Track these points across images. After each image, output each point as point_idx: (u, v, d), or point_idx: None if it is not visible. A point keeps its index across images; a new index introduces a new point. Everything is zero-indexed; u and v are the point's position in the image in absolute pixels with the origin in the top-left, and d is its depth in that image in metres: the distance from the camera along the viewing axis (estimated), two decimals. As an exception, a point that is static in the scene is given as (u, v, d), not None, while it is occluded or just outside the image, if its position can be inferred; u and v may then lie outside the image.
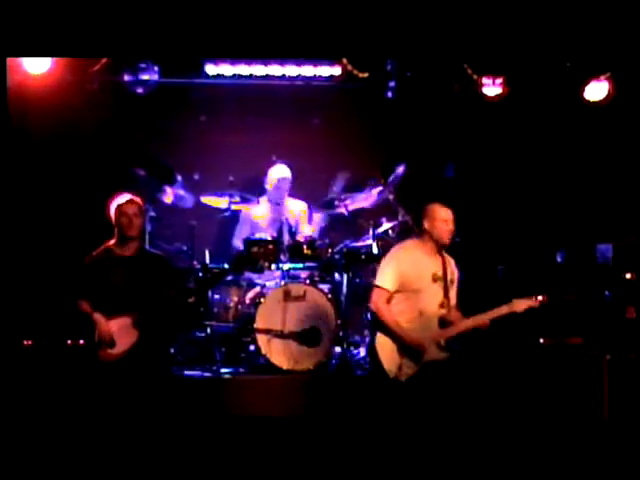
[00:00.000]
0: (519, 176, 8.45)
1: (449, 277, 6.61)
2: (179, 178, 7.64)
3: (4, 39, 6.15)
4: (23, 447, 5.91)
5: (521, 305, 6.49)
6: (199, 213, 7.65)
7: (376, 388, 6.44)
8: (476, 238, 8.26)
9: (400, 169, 7.67)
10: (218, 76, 8.21)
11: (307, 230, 7.90)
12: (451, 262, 6.72)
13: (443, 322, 6.46)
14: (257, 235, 7.51)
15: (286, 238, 7.53)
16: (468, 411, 6.26)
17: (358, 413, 6.34)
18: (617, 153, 8.19)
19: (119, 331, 6.38)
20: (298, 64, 8.21)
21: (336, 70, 8.04)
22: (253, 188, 8.01)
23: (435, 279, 6.53)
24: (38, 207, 7.77)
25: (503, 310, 6.49)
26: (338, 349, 7.27)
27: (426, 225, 6.55)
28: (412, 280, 6.45)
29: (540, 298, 6.60)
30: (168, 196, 7.50)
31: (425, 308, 6.47)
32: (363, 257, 7.56)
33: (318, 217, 8.00)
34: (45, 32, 6.34)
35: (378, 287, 6.44)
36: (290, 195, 8.09)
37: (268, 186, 7.96)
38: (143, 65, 7.77)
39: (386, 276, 6.45)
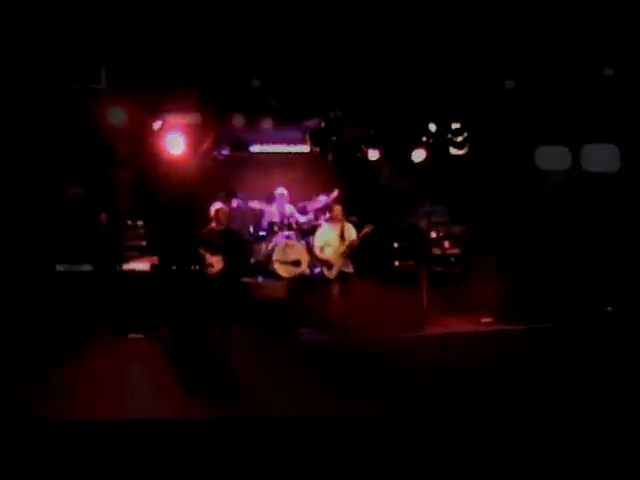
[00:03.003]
0: (384, 198, 12.39)
1: (346, 234, 11.27)
2: (238, 195, 11.56)
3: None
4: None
5: (364, 230, 11.20)
6: (246, 212, 11.94)
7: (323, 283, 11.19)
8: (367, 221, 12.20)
9: (335, 193, 11.90)
10: (259, 152, 12.37)
11: (303, 219, 11.83)
12: (349, 226, 11.27)
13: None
14: (272, 220, 11.75)
15: (285, 221, 11.87)
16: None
17: (320, 294, 10.81)
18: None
19: (216, 262, 10.54)
20: (294, 145, 12.27)
21: (307, 148, 11.84)
22: (269, 198, 12.11)
23: (339, 235, 11.25)
24: (188, 215, 11.16)
25: (355, 239, 11.16)
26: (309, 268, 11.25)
27: (328, 214, 11.32)
28: (329, 239, 11.16)
29: (367, 227, 11.13)
30: (234, 203, 11.56)
31: (337, 249, 11.32)
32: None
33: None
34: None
35: (314, 245, 11.20)
36: (289, 203, 11.97)
37: (276, 198, 12.12)
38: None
39: (317, 240, 11.23)
